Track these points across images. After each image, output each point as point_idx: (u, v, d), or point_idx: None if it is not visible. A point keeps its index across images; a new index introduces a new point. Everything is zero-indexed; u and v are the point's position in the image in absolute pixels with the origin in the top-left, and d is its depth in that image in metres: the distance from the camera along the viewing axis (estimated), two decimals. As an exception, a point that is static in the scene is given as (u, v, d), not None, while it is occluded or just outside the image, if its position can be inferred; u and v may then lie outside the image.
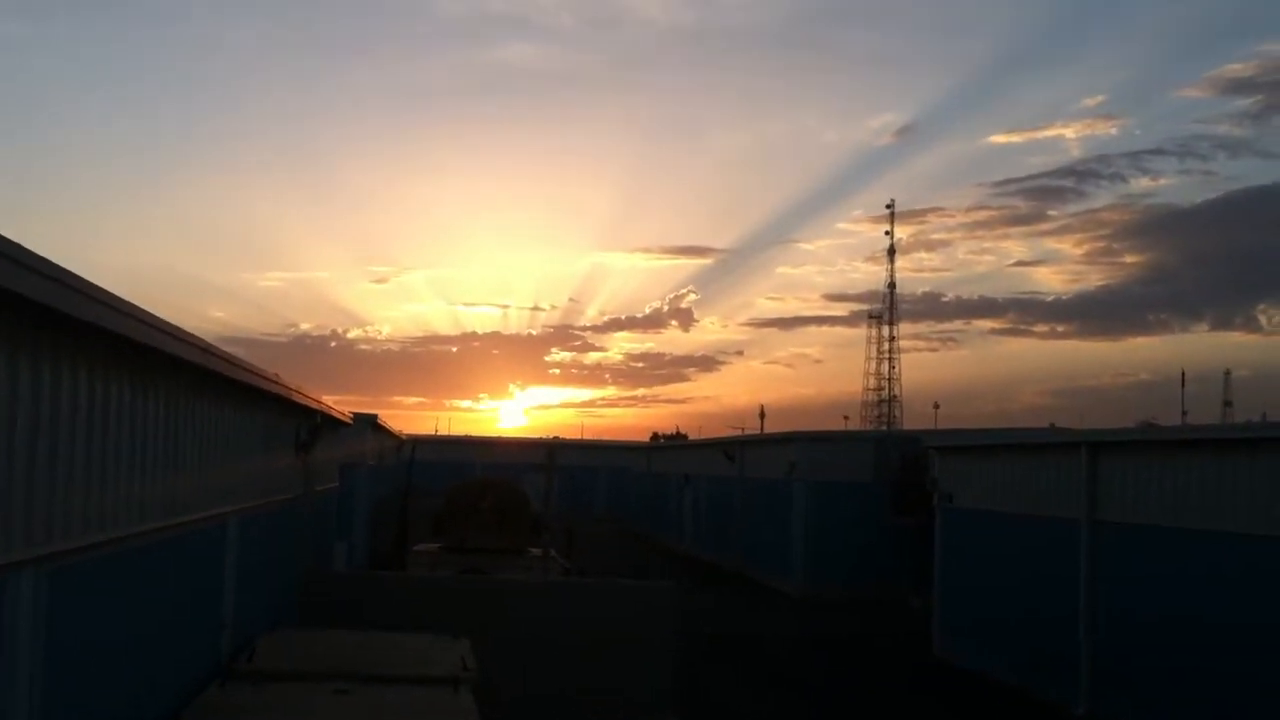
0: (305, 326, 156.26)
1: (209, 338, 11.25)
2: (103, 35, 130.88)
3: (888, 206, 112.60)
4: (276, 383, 15.76)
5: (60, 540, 7.96)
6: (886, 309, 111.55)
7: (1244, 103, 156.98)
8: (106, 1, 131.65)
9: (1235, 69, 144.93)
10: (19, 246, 6.29)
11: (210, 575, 13.55)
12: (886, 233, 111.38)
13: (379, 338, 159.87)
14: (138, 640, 10.07)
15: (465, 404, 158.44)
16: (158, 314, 9.15)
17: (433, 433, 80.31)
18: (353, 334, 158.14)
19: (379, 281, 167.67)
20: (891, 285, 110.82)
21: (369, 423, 36.13)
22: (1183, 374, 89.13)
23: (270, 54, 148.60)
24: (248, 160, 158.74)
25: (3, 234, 6.13)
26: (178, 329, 9.80)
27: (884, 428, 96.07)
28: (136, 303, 8.49)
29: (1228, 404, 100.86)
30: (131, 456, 9.70)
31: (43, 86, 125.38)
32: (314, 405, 19.94)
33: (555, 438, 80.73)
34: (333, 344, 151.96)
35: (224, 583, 14.16)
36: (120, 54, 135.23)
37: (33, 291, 6.52)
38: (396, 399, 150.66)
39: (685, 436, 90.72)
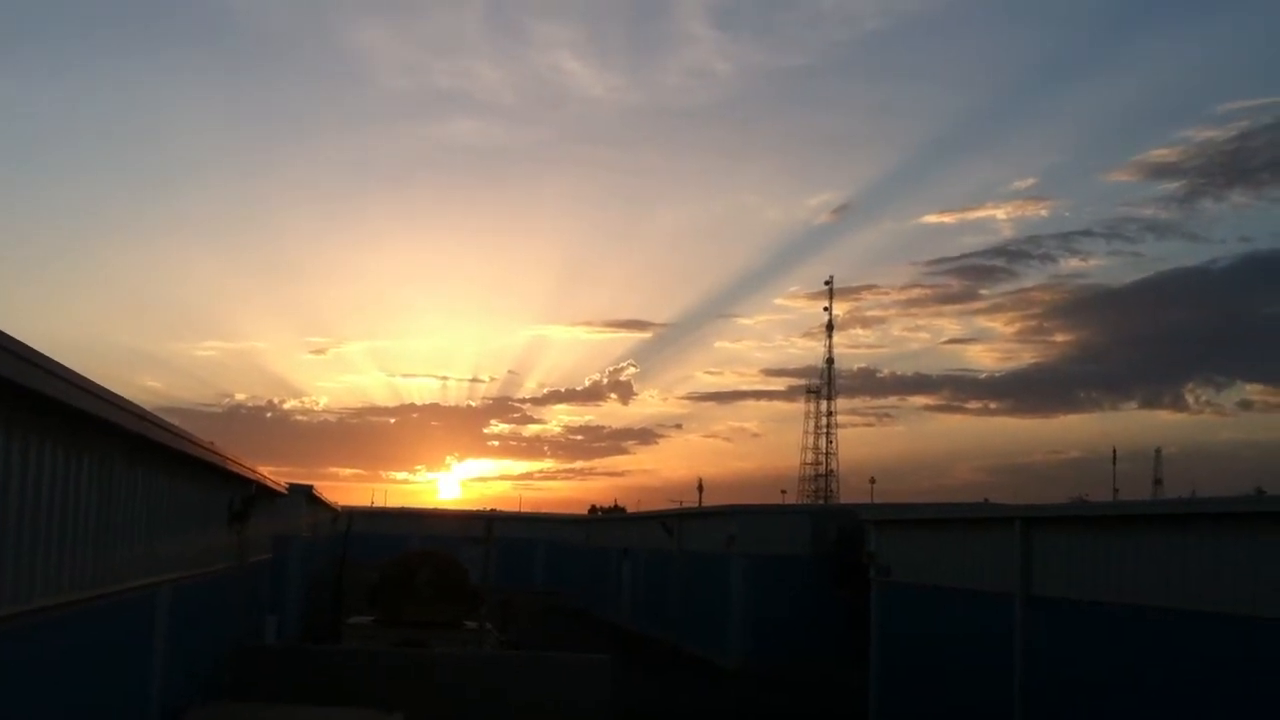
0: (241, 397, 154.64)
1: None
2: (43, 97, 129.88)
3: (826, 283, 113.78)
4: (211, 450, 15.61)
5: (-14, 609, 7.81)
6: (824, 384, 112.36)
7: (1170, 186, 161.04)
8: (48, 64, 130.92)
9: (1161, 154, 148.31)
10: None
11: (139, 647, 13.31)
12: (825, 309, 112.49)
13: (316, 409, 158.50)
14: (63, 713, 9.86)
15: (402, 475, 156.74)
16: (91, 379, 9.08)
17: (369, 504, 79.50)
18: (289, 405, 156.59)
19: (317, 352, 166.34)
20: (830, 360, 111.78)
21: (304, 494, 35.75)
22: (1114, 451, 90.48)
23: (212, 123, 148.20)
24: (185, 228, 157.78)
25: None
26: (112, 394, 9.71)
27: (821, 502, 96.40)
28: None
29: (1158, 482, 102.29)
30: (61, 524, 9.55)
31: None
32: (249, 475, 19.74)
33: (493, 510, 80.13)
34: (268, 415, 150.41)
35: (153, 655, 13.91)
36: (59, 116, 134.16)
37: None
38: (333, 470, 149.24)
39: (623, 509, 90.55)
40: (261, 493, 21.70)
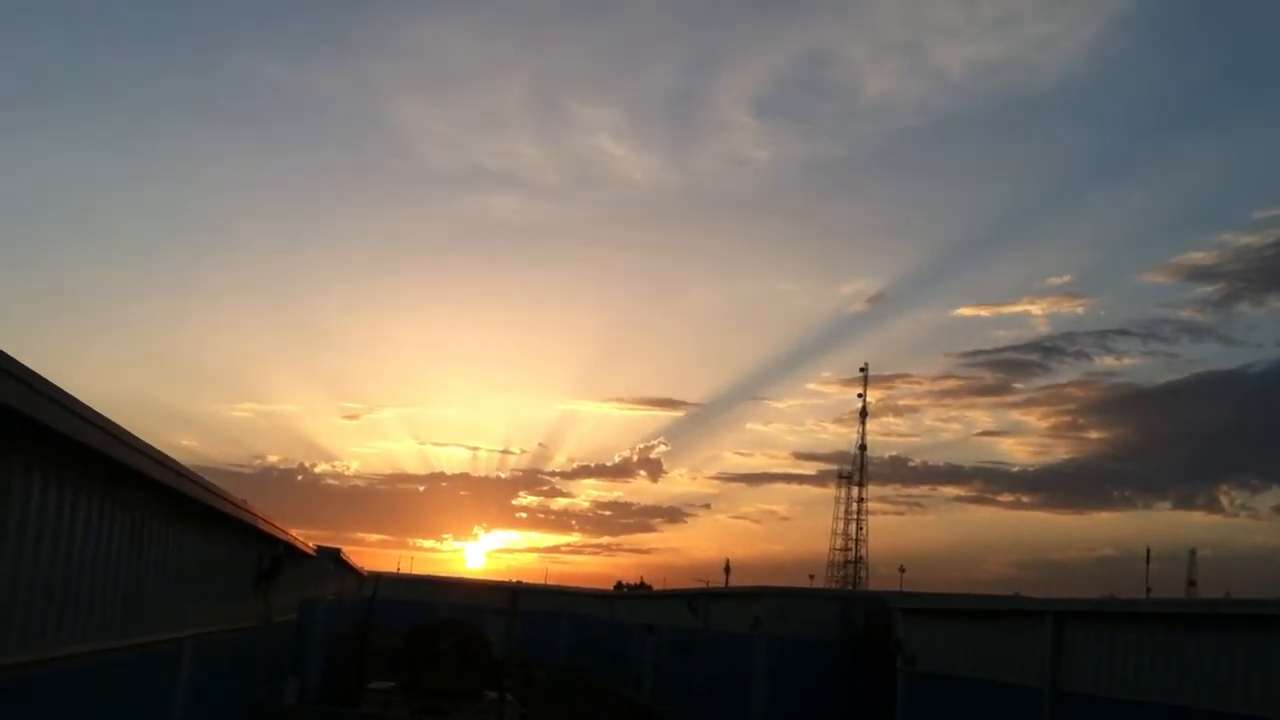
0: (273, 459, 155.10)
1: (179, 460, 11.24)
2: (90, 158, 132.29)
3: (861, 370, 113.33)
4: (242, 508, 15.68)
5: (14, 651, 7.84)
6: (856, 470, 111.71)
7: (1206, 289, 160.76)
8: (97, 126, 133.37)
9: (1198, 256, 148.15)
10: None
11: (161, 701, 13.30)
12: (859, 395, 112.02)
13: (347, 473, 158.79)
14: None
15: (429, 544, 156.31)
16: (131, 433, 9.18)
17: (395, 570, 79.33)
18: (320, 468, 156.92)
19: (350, 417, 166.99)
20: (863, 447, 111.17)
21: (332, 557, 35.74)
22: (1148, 551, 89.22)
23: (256, 190, 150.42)
24: (226, 292, 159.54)
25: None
26: (149, 447, 9.80)
27: (850, 588, 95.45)
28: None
29: (1192, 583, 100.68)
30: (94, 572, 9.60)
31: (20, 203, 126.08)
32: (278, 535, 19.81)
33: (518, 581, 79.84)
34: (299, 477, 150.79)
35: (174, 708, 13.89)
36: (105, 178, 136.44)
37: (4, 395, 6.55)
38: (360, 535, 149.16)
39: (649, 587, 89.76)
40: (289, 553, 21.73)
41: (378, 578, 47.48)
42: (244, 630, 18.67)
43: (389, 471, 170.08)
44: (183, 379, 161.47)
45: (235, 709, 18.38)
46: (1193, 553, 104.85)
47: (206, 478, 13.32)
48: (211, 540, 14.98)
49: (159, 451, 10.15)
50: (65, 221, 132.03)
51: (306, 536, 25.34)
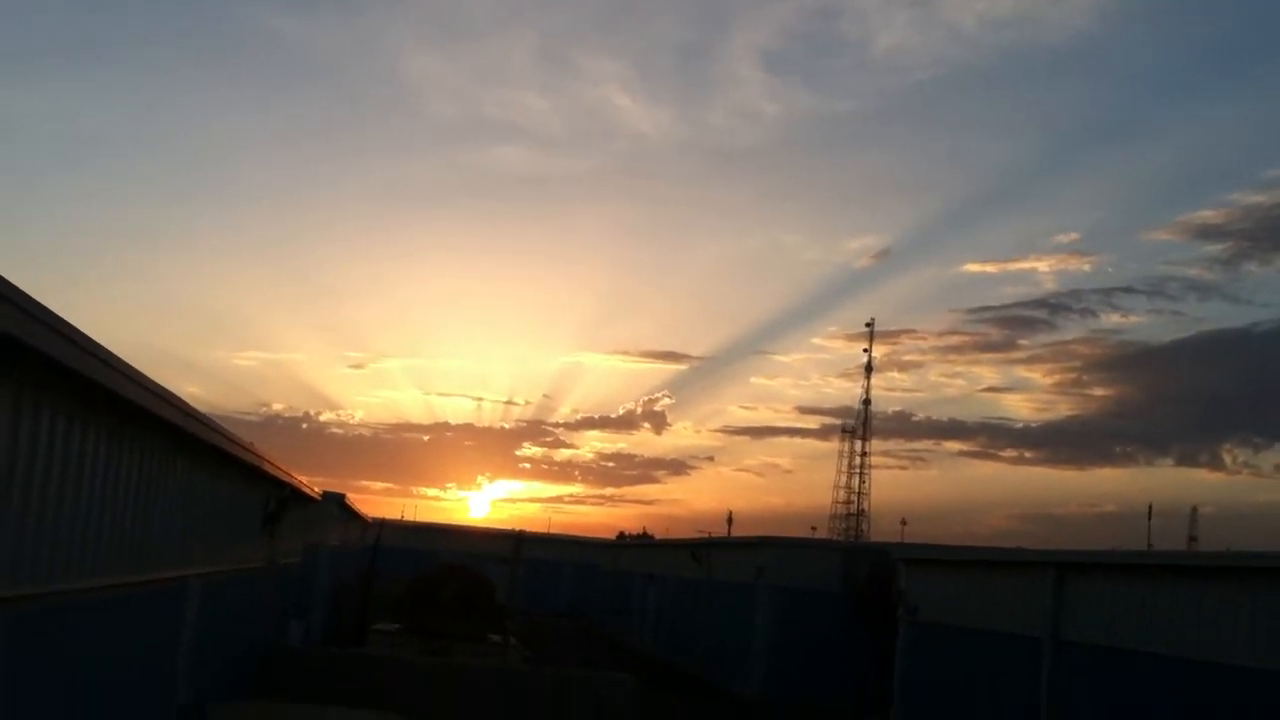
0: (278, 407, 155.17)
1: (185, 403, 11.24)
2: (99, 107, 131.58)
3: (867, 325, 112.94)
4: (250, 450, 15.72)
5: (26, 584, 7.89)
6: (860, 424, 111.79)
7: (1214, 248, 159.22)
8: (106, 75, 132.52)
9: (1206, 215, 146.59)
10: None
11: (168, 637, 13.39)
12: (864, 350, 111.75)
13: (351, 422, 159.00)
14: (92, 692, 9.93)
15: (433, 493, 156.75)
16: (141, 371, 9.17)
17: (399, 518, 79.63)
18: (325, 417, 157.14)
19: (355, 367, 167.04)
20: (866, 401, 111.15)
21: (336, 501, 35.85)
22: (1150, 507, 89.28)
23: (263, 138, 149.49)
24: (232, 240, 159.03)
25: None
26: (157, 385, 9.81)
27: (852, 540, 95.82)
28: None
29: (1193, 539, 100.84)
30: (102, 509, 9.64)
31: (34, 155, 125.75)
32: (284, 477, 19.86)
33: (521, 530, 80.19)
34: (304, 425, 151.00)
35: (180, 646, 13.98)
36: (114, 126, 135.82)
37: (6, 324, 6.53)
38: (364, 483, 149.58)
39: (651, 537, 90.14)
40: (295, 497, 21.81)
41: (381, 524, 47.68)
42: (250, 571, 18.77)
43: (394, 421, 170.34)
44: (188, 326, 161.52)
45: (241, 648, 18.52)
46: (1194, 509, 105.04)
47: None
48: (218, 481, 15.03)
49: (165, 389, 10.16)
50: (71, 169, 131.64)
51: (311, 483, 25.42)
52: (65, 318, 7.20)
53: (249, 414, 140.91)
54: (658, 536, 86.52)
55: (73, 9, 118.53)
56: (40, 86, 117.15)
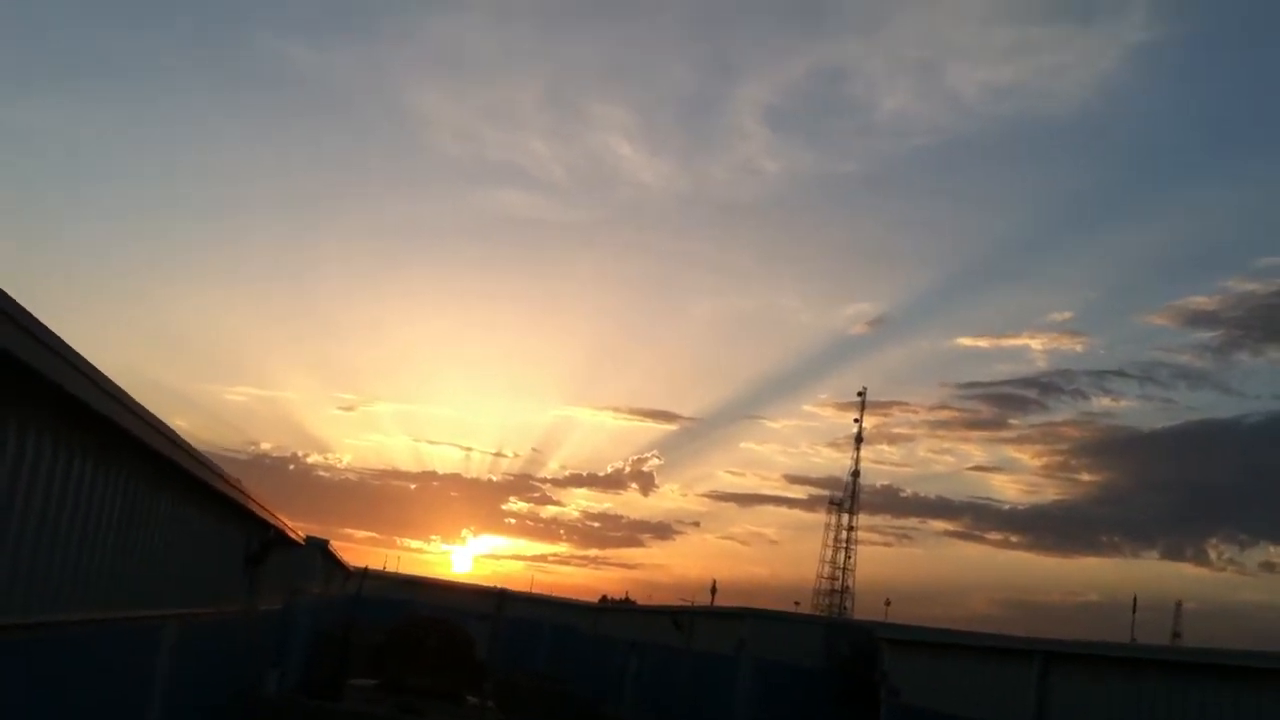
0: (266, 446, 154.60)
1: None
2: (98, 128, 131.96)
3: (859, 394, 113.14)
4: (236, 487, 15.52)
5: (-4, 611, 7.68)
6: (848, 498, 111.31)
7: (1206, 335, 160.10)
8: (105, 96, 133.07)
9: (1199, 301, 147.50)
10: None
11: (141, 679, 13.11)
12: (855, 420, 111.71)
13: (339, 465, 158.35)
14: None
15: (416, 544, 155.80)
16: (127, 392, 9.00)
17: (382, 568, 78.93)
18: (312, 459, 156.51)
19: (346, 409, 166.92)
20: (855, 473, 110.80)
21: (320, 547, 35.49)
22: (1134, 599, 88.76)
23: (264, 171, 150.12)
24: (227, 272, 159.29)
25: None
26: (144, 410, 9.62)
27: (835, 616, 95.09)
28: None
29: (1177, 635, 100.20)
30: (80, 538, 9.43)
31: (27, 172, 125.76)
32: (269, 518, 19.63)
33: (504, 588, 79.47)
34: (291, 467, 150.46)
35: (154, 688, 13.69)
36: (112, 149, 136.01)
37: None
38: (348, 530, 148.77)
39: (633, 602, 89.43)
40: (279, 539, 21.54)
41: (364, 574, 47.23)
42: (228, 615, 18.47)
43: (381, 466, 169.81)
44: (181, 356, 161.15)
45: (216, 694, 18.18)
46: (1179, 604, 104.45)
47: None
48: (202, 517, 14.81)
49: (153, 415, 9.98)
50: (73, 189, 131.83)
51: (296, 527, 25.14)
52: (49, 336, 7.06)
53: (237, 452, 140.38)
54: (640, 603, 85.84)
55: (82, 30, 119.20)
56: (46, 105, 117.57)
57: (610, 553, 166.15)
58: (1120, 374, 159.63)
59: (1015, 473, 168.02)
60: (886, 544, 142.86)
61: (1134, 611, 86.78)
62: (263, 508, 18.40)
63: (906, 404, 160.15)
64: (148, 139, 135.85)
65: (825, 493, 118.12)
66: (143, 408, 9.44)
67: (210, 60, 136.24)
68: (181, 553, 13.81)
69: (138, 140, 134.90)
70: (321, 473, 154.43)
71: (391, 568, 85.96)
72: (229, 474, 14.79)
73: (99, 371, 8.07)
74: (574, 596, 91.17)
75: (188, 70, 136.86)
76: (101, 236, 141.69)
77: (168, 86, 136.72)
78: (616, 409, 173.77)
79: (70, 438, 8.68)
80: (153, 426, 9.89)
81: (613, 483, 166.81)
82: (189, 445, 11.70)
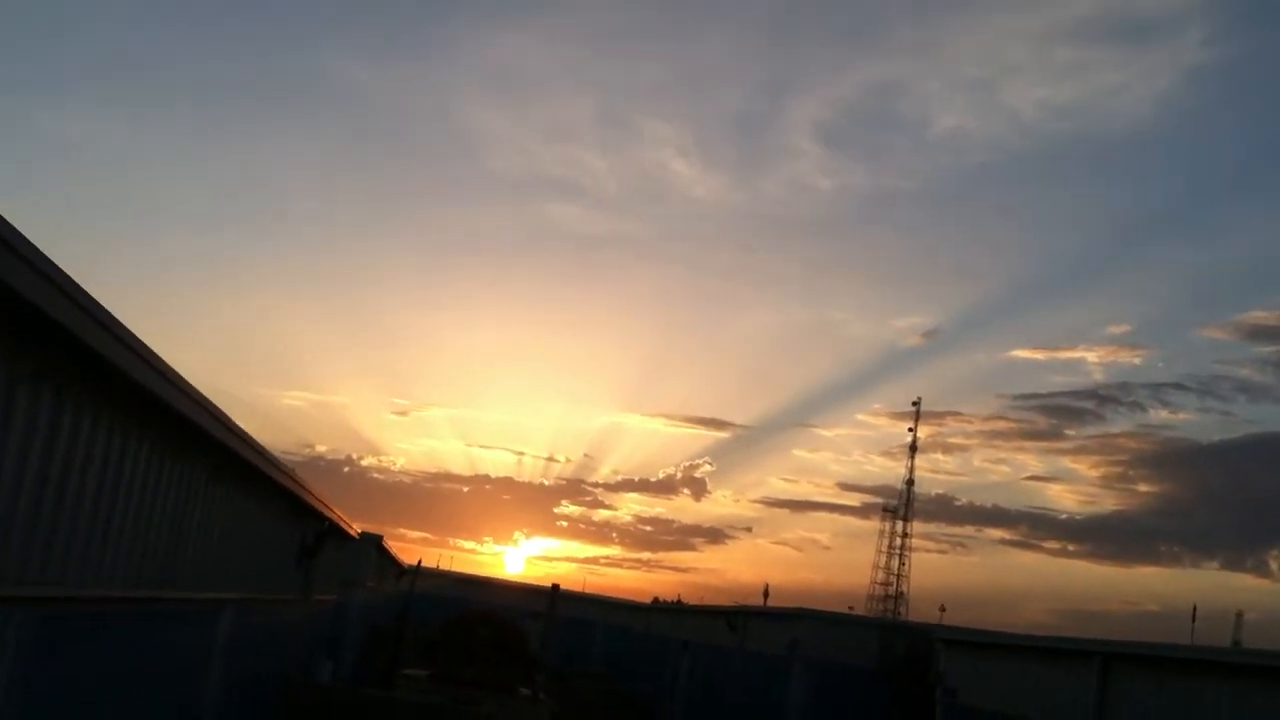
0: (321, 448, 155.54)
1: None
2: (160, 143, 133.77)
3: (914, 404, 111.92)
4: (291, 478, 15.60)
5: (54, 586, 7.74)
6: (902, 505, 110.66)
7: (1266, 349, 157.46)
8: (167, 111, 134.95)
9: (1260, 315, 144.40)
10: (56, 268, 6.25)
11: (197, 659, 13.20)
12: (909, 429, 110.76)
13: (393, 468, 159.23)
14: (113, 704, 9.74)
15: (469, 545, 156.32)
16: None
17: (435, 567, 79.33)
18: (367, 461, 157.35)
19: (400, 413, 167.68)
20: (910, 481, 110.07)
21: (374, 542, 35.68)
22: (1194, 608, 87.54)
23: (324, 182, 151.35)
24: (286, 280, 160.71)
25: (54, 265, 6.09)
26: (207, 400, 9.69)
27: (890, 618, 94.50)
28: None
29: (1237, 644, 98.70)
30: (138, 519, 9.51)
31: (97, 186, 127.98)
32: (324, 510, 19.72)
33: (556, 584, 79.66)
34: (346, 469, 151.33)
35: (210, 672, 13.79)
36: (176, 163, 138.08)
37: (72, 323, 6.45)
38: (402, 531, 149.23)
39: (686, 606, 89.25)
40: (333, 532, 21.66)
41: (418, 569, 47.43)
42: (284, 604, 18.59)
43: (434, 470, 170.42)
44: (239, 361, 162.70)
45: (270, 679, 18.30)
46: (1239, 614, 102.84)
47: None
48: (258, 506, 14.90)
49: (213, 404, 10.04)
50: (131, 200, 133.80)
51: (349, 521, 25.26)
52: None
53: (293, 453, 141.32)
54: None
55: (153, 52, 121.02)
56: (114, 123, 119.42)
57: (662, 556, 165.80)
58: (1179, 387, 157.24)
59: (1072, 483, 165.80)
60: (941, 551, 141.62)
61: (1193, 621, 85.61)
62: (318, 500, 18.50)
63: (961, 414, 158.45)
64: (212, 155, 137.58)
65: (879, 500, 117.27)
66: (203, 396, 9.50)
67: (275, 82, 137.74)
68: (238, 541, 13.91)
69: (202, 157, 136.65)
70: (376, 475, 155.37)
71: (445, 567, 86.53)
72: (285, 464, 14.87)
73: (162, 360, 8.13)
74: (626, 598, 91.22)
75: (253, 90, 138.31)
76: (166, 248, 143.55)
77: (233, 106, 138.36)
78: (668, 416, 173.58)
79: (131, 421, 8.75)
80: (212, 414, 9.95)
81: (665, 488, 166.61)
82: (246, 434, 11.76)
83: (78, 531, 8.07)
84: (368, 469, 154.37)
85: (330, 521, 20.82)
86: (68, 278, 6.26)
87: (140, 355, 7.59)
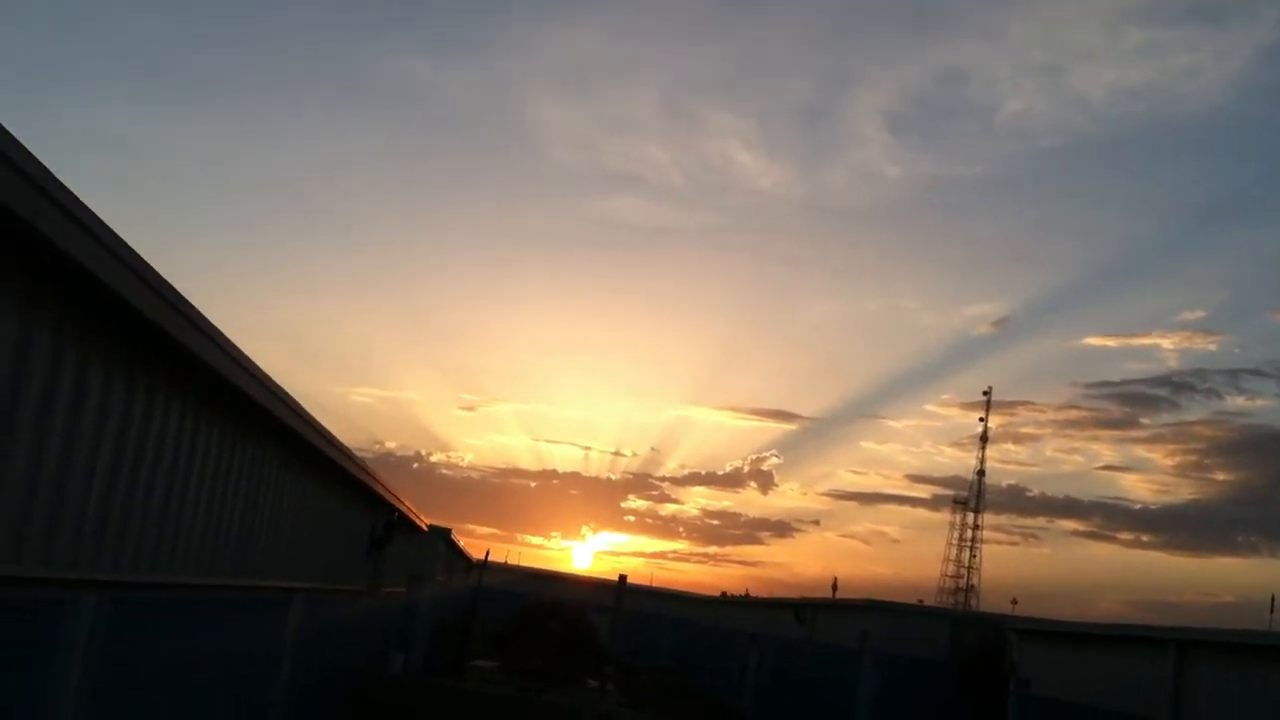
0: (391, 445, 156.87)
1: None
2: (228, 146, 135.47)
3: (984, 393, 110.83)
4: (362, 468, 15.69)
5: (128, 570, 7.80)
6: (973, 496, 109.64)
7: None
8: (234, 115, 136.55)
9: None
10: (129, 249, 6.28)
11: (268, 649, 13.28)
12: (980, 419, 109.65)
13: (461, 464, 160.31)
14: (185, 692, 9.80)
15: (537, 540, 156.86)
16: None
17: (503, 561, 79.74)
18: (435, 457, 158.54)
19: (467, 409, 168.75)
20: (981, 472, 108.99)
21: (443, 536, 35.87)
22: (1272, 599, 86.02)
23: (388, 182, 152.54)
24: (354, 279, 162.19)
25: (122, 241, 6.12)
26: (280, 388, 9.74)
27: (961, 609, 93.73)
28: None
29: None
30: (210, 505, 9.57)
31: (159, 179, 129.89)
32: (394, 501, 19.82)
33: (624, 575, 79.74)
34: (415, 465, 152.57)
35: (281, 660, 13.86)
36: (244, 162, 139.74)
37: (145, 306, 6.48)
38: (471, 526, 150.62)
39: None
40: (402, 523, 21.77)
41: (485, 562, 47.67)
42: (354, 594, 18.70)
43: (502, 465, 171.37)
44: (305, 360, 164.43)
45: (340, 669, 18.41)
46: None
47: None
48: (328, 495, 14.99)
49: (286, 392, 10.09)
50: (201, 201, 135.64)
51: (418, 514, 25.40)
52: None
53: (364, 450, 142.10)
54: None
55: (213, 53, 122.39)
56: (176, 123, 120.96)
57: (729, 550, 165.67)
58: (1256, 373, 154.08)
59: (1147, 472, 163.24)
60: (1013, 543, 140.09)
61: (1271, 611, 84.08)
62: (388, 490, 18.60)
63: (1033, 403, 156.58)
64: (269, 153, 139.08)
65: (949, 492, 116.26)
66: (276, 384, 9.55)
67: (336, 79, 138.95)
68: (308, 530, 13.99)
69: (264, 156, 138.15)
70: (444, 471, 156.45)
71: (513, 562, 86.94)
72: (355, 454, 14.94)
73: (237, 348, 8.17)
74: (694, 592, 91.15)
75: (315, 89, 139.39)
76: (232, 249, 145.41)
77: (296, 105, 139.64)
78: (735, 409, 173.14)
79: (200, 408, 8.80)
80: (284, 402, 10.00)
81: (731, 481, 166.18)
82: (317, 422, 11.82)
83: (150, 517, 8.13)
84: (436, 465, 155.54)
85: (399, 513, 20.93)
86: (138, 257, 6.29)
87: (210, 337, 7.63)
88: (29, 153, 5.00)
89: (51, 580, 6.78)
